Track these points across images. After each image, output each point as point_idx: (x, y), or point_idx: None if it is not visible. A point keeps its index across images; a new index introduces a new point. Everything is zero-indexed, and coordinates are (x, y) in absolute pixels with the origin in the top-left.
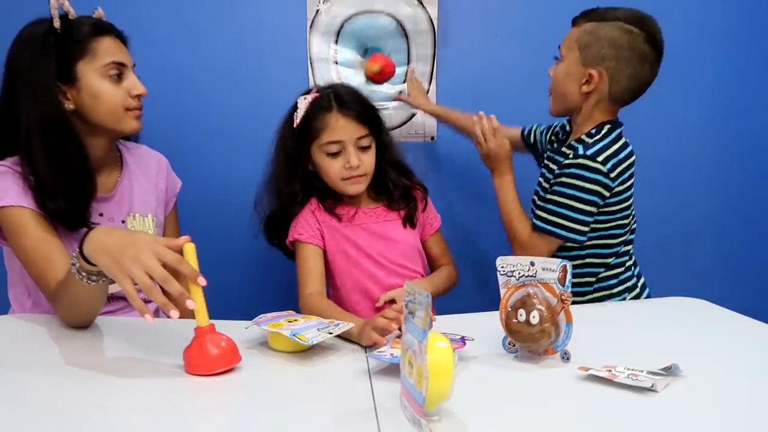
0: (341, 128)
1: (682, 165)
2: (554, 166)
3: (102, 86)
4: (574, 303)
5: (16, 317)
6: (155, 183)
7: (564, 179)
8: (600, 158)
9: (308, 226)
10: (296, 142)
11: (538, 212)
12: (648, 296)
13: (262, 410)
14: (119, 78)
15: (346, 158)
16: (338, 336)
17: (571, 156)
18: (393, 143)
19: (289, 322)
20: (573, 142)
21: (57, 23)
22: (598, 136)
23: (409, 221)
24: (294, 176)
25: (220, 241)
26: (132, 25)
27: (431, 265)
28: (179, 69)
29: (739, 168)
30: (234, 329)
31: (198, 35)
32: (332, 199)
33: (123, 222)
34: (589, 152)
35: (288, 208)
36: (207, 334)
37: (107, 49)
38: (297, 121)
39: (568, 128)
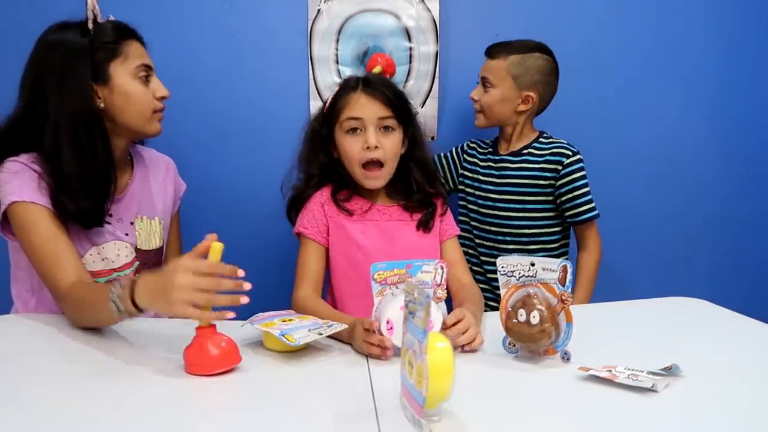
0: (362, 105)
1: (682, 165)
2: (514, 165)
3: (134, 87)
4: None
5: (19, 317)
6: (163, 186)
7: (577, 174)
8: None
9: (314, 221)
10: (322, 126)
11: (577, 209)
12: None
13: (262, 410)
14: (147, 80)
15: (364, 137)
16: (332, 337)
17: (569, 155)
18: (423, 141)
19: (283, 321)
20: (557, 148)
21: (91, 25)
22: (557, 139)
23: (423, 225)
24: (314, 160)
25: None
26: (132, 25)
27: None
28: (180, 69)
29: (739, 168)
30: (230, 328)
31: (199, 35)
32: (348, 191)
33: (131, 223)
34: (574, 149)
35: (303, 191)
36: (208, 334)
37: (137, 51)
38: (327, 105)
39: (489, 141)
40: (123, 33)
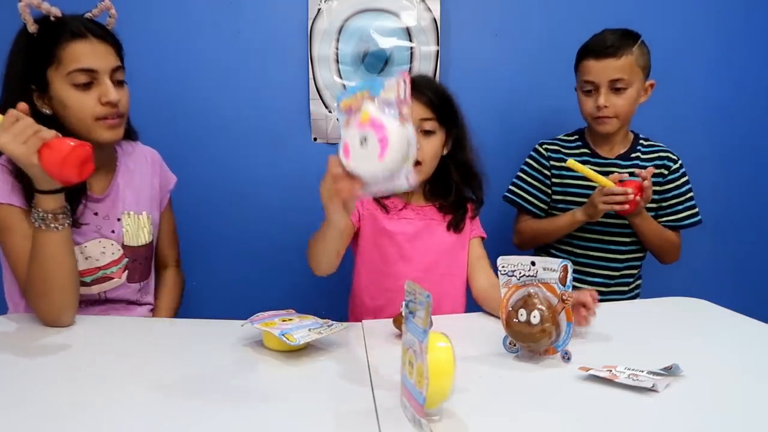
0: None
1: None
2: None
3: (68, 95)
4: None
5: (17, 316)
6: (149, 181)
7: (683, 179)
8: None
9: None
10: None
11: (682, 213)
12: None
13: (262, 410)
14: (89, 86)
15: None
16: (337, 334)
17: (675, 160)
18: (469, 145)
19: (284, 321)
20: (662, 152)
21: (32, 28)
22: (655, 143)
23: (454, 226)
24: None
25: (221, 239)
26: (133, 25)
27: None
28: (180, 68)
29: (738, 168)
30: (230, 328)
31: (199, 34)
32: None
33: (118, 220)
34: (676, 155)
35: None
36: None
37: (75, 55)
38: None
39: (570, 139)
40: (69, 34)
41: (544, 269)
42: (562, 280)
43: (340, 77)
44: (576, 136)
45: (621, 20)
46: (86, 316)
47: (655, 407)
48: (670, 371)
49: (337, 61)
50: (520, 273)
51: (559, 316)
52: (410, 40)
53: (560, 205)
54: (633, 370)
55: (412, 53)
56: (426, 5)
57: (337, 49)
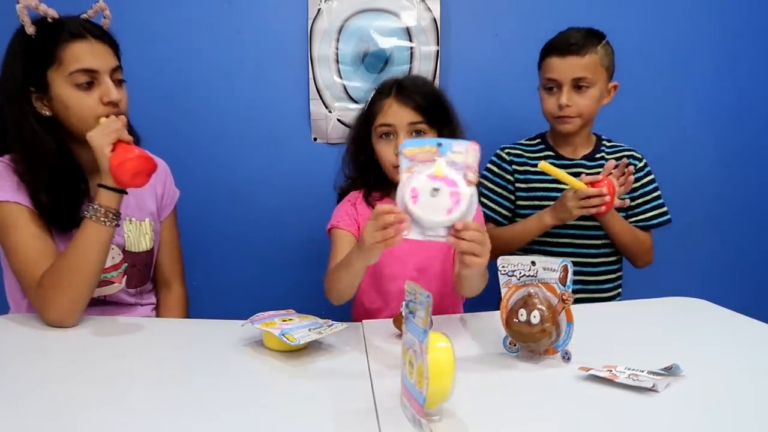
0: (393, 113)
1: (681, 165)
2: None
3: (69, 95)
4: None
5: (17, 316)
6: (153, 188)
7: (649, 177)
8: None
9: (347, 215)
10: (362, 129)
11: (649, 213)
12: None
13: (262, 410)
14: (90, 85)
15: (396, 142)
16: (337, 334)
17: (640, 158)
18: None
19: (284, 321)
20: (626, 152)
21: (30, 30)
22: (618, 143)
23: None
24: (355, 161)
25: (221, 239)
26: (132, 26)
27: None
28: (180, 69)
29: (738, 168)
30: (230, 328)
31: (198, 35)
32: (382, 192)
33: (120, 225)
34: (640, 154)
35: (347, 191)
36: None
37: (76, 55)
38: (364, 109)
39: (532, 143)
40: (68, 35)
41: (544, 269)
42: (562, 280)
43: (340, 77)
44: (538, 140)
45: (622, 21)
46: (87, 317)
47: (655, 407)
48: (670, 371)
49: (337, 61)
50: (520, 273)
51: (559, 316)
52: (410, 40)
53: (525, 211)
54: (633, 370)
55: (412, 53)
56: (426, 5)
57: (337, 49)
